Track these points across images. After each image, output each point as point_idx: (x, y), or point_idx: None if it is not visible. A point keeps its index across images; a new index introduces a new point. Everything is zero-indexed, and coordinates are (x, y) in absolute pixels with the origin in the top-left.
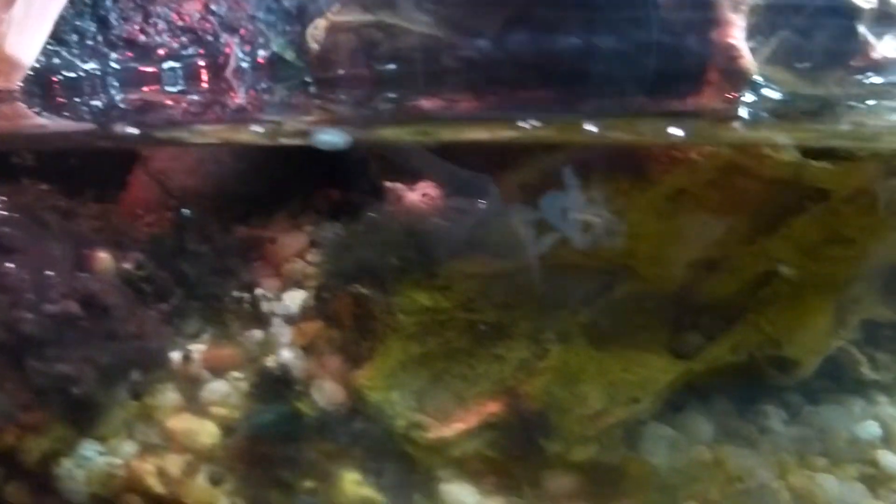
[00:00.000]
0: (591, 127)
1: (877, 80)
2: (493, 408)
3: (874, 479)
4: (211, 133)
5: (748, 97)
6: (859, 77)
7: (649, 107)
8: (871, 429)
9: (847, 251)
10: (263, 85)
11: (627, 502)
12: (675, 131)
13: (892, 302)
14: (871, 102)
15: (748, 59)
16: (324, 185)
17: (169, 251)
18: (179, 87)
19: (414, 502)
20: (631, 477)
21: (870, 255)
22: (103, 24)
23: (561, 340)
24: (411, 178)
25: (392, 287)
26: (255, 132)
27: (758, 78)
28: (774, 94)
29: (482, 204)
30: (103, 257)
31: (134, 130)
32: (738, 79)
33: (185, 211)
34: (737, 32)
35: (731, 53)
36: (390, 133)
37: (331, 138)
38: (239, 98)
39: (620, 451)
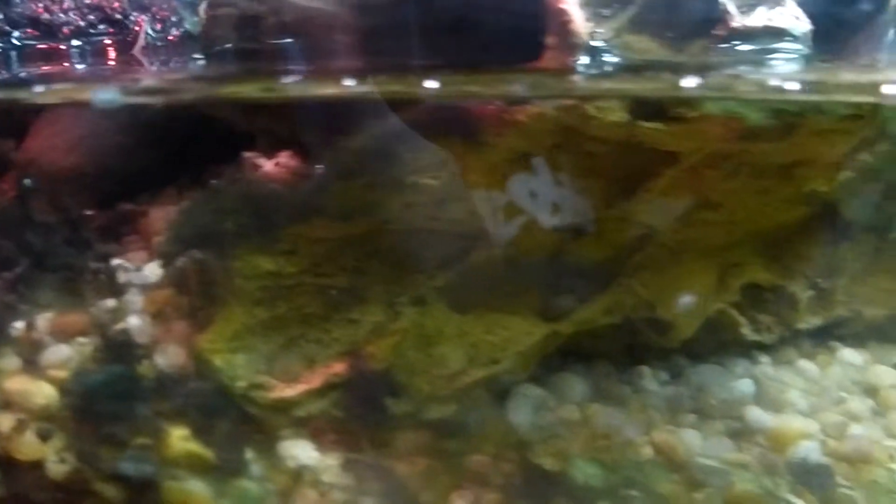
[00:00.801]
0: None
1: (744, 48)
2: (338, 369)
3: (740, 434)
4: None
5: (589, 62)
6: (724, 45)
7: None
8: (744, 387)
9: (716, 215)
10: (174, 61)
11: (478, 458)
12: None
13: (774, 266)
14: (740, 69)
15: (579, 24)
16: (213, 159)
17: (15, 222)
18: (86, 65)
19: (246, 458)
20: (486, 435)
21: (740, 219)
22: (4, 2)
23: (415, 303)
24: (291, 147)
25: (231, 253)
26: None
27: (599, 44)
28: (615, 60)
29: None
30: None
31: None
32: (571, 44)
33: (27, 181)
34: None
35: (562, 18)
36: (235, 90)
37: (107, 96)
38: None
39: (481, 410)
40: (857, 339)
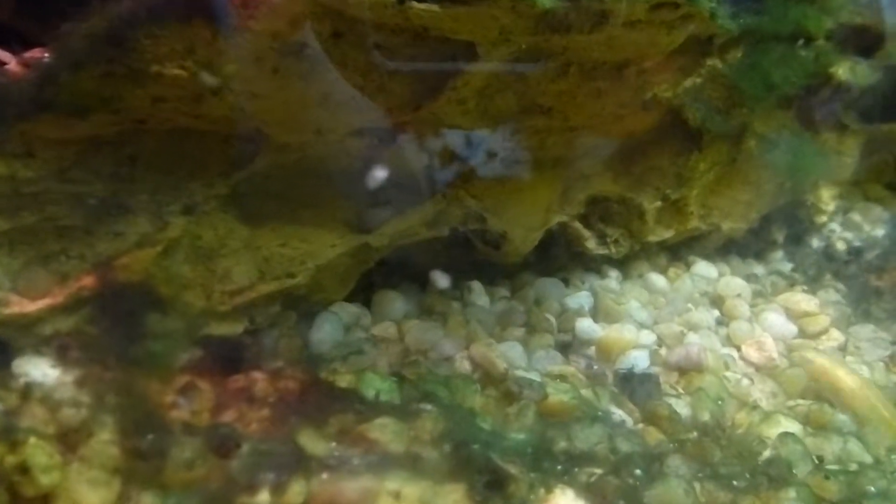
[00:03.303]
0: None
1: None
2: (86, 283)
3: (568, 346)
4: None
5: None
6: None
7: None
8: (582, 300)
9: (550, 121)
10: None
11: (253, 375)
12: None
13: (622, 178)
14: None
15: None
16: None
17: None
18: None
19: None
20: (277, 353)
21: (580, 126)
22: None
23: (187, 213)
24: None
25: None
26: None
27: None
28: None
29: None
30: None
31: None
32: None
33: None
34: None
35: None
36: None
37: None
38: None
39: (278, 328)
40: (719, 253)
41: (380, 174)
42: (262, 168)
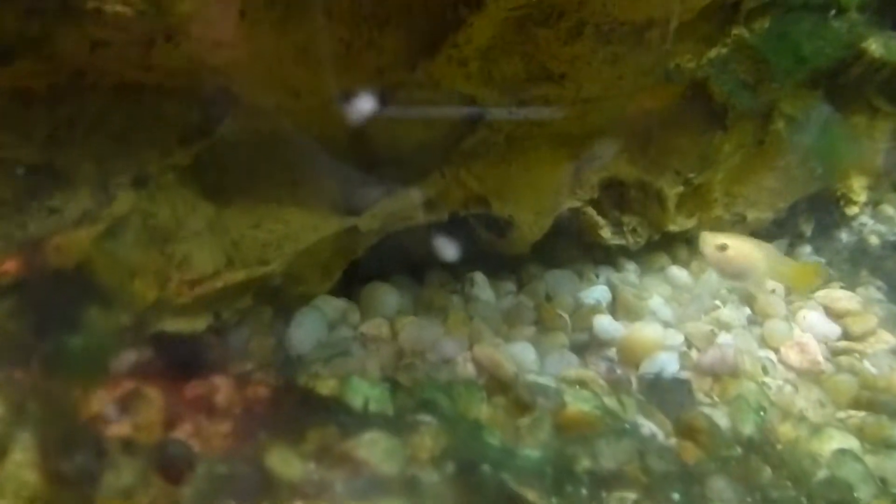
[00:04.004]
0: None
1: None
2: (9, 268)
3: (585, 347)
4: None
5: None
6: None
7: None
8: (598, 295)
9: (562, 90)
10: None
11: (216, 381)
12: None
13: (639, 159)
14: None
15: None
16: None
17: None
18: None
19: None
20: (247, 354)
21: (594, 98)
22: None
23: (139, 185)
24: None
25: None
26: None
27: None
28: None
29: None
30: None
31: None
32: None
33: None
34: None
35: None
36: None
37: None
38: None
39: (249, 324)
40: None
41: (369, 147)
42: (231, 135)
